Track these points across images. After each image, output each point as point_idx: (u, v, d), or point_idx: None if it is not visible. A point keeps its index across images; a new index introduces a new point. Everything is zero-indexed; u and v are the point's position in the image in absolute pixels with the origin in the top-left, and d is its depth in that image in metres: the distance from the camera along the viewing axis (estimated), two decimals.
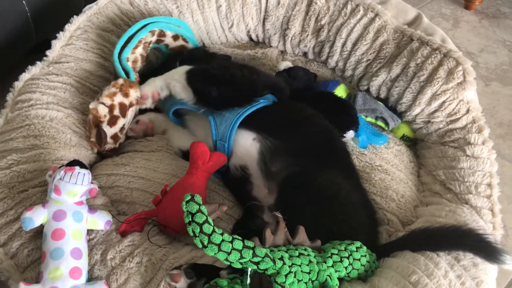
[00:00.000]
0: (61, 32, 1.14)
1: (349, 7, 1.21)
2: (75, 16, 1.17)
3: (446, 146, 1.09)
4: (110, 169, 0.99)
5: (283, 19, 1.30)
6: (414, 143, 1.21)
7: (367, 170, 1.07)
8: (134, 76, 1.08)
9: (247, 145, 0.98)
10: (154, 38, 1.15)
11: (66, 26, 1.15)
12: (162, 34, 1.16)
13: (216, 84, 1.00)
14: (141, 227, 0.86)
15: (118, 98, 1.01)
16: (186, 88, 1.02)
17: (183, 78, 1.02)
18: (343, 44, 1.22)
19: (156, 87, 1.06)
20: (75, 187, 0.80)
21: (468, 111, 1.08)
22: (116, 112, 1.00)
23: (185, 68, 1.05)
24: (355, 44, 1.20)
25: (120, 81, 1.02)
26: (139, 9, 1.24)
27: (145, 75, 1.13)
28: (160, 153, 1.04)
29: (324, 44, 1.26)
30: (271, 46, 1.37)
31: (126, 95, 1.01)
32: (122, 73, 1.06)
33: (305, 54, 1.34)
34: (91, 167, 1.03)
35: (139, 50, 1.12)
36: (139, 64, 1.13)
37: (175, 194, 0.87)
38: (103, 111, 0.98)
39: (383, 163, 1.08)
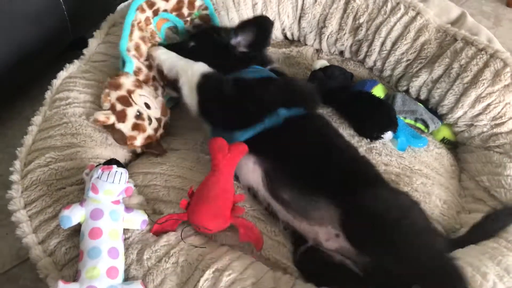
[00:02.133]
0: (97, 30, 1.15)
1: (389, 5, 1.17)
2: (111, 14, 1.17)
3: (490, 151, 1.04)
4: (147, 168, 0.99)
5: (320, 17, 1.27)
6: (455, 146, 1.16)
7: (408, 174, 1.03)
8: (132, 65, 1.03)
9: (249, 167, 0.94)
10: (150, 13, 1.10)
11: (102, 24, 1.15)
12: (152, 3, 1.09)
13: (223, 104, 0.95)
14: (172, 227, 0.86)
15: (113, 95, 0.98)
16: (193, 92, 0.97)
17: (195, 79, 0.97)
18: (382, 43, 1.19)
19: (165, 62, 1.03)
20: (112, 186, 0.80)
21: None
22: (119, 107, 0.97)
23: (203, 68, 0.99)
24: (394, 43, 1.17)
25: (107, 80, 0.99)
26: None
27: None
28: (196, 152, 1.03)
29: (362, 43, 1.23)
30: (306, 45, 1.34)
31: (118, 87, 0.98)
32: (121, 65, 1.03)
33: (341, 52, 1.31)
34: (127, 165, 1.03)
35: (136, 34, 1.06)
36: (145, 48, 1.08)
37: (202, 194, 0.87)
38: (103, 116, 0.96)
39: (422, 167, 1.05)
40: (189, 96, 0.98)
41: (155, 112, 1.04)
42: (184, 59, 1.03)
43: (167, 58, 1.04)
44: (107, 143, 0.99)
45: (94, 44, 1.13)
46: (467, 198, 1.05)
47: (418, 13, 1.14)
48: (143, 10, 1.08)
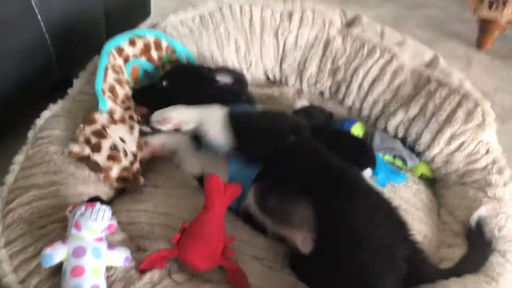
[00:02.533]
0: (82, 71, 1.17)
1: (365, 48, 1.23)
2: (96, 55, 1.20)
3: (466, 187, 1.08)
4: (130, 205, 0.99)
5: (300, 60, 1.32)
6: (433, 182, 1.19)
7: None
8: (105, 105, 1.04)
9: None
10: (120, 61, 1.13)
11: (88, 65, 1.18)
12: (120, 49, 1.13)
13: (255, 133, 0.99)
14: (161, 264, 0.85)
15: (88, 129, 0.99)
16: (225, 132, 0.98)
17: (223, 120, 0.99)
18: (360, 85, 1.24)
19: (184, 117, 1.04)
20: (95, 223, 0.79)
21: (487, 151, 1.08)
22: (94, 139, 0.98)
23: (223, 111, 1.02)
24: (372, 84, 1.22)
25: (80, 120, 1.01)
26: None
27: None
28: (181, 189, 1.03)
29: (341, 84, 1.28)
30: (287, 85, 1.39)
31: (91, 122, 1.00)
32: (96, 105, 1.05)
33: (321, 93, 1.36)
34: (110, 202, 1.02)
35: (111, 77, 1.08)
36: (122, 91, 1.10)
37: (194, 233, 0.87)
38: (77, 147, 0.97)
39: (402, 202, 1.07)
40: (219, 137, 0.99)
41: (131, 145, 1.05)
42: (194, 108, 1.04)
43: (183, 113, 1.05)
44: (89, 181, 0.99)
45: (78, 84, 1.15)
46: (446, 232, 1.07)
47: (393, 56, 1.20)
48: (114, 57, 1.11)
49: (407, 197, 1.09)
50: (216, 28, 1.29)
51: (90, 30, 1.36)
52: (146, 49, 1.18)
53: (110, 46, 1.12)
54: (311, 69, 1.31)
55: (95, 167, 0.99)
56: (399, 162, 1.16)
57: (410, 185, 1.12)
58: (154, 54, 1.20)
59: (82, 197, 0.94)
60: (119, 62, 1.13)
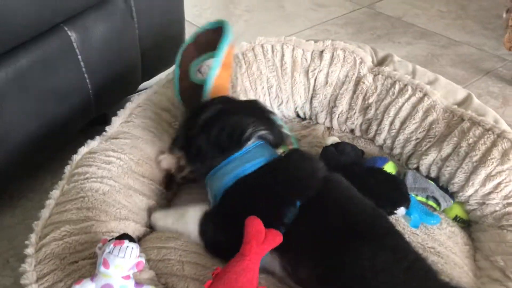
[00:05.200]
0: (121, 110, 1.21)
1: (397, 86, 1.22)
2: (135, 95, 1.24)
3: (504, 230, 1.03)
4: (161, 242, 1.00)
5: (331, 97, 1.33)
6: (468, 225, 1.15)
7: (419, 252, 1.02)
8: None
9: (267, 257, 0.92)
10: None
11: (127, 104, 1.22)
12: None
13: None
14: None
15: None
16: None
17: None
18: (391, 123, 1.22)
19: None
20: (123, 261, 0.80)
21: None
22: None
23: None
24: (403, 122, 1.20)
25: None
26: None
27: None
28: None
29: (372, 122, 1.27)
30: (317, 123, 1.39)
31: None
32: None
33: (352, 130, 1.35)
34: (140, 239, 1.04)
35: None
36: None
37: (227, 279, 0.83)
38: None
39: (435, 245, 1.03)
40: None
41: None
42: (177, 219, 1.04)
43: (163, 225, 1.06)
44: (120, 218, 1.01)
45: (117, 122, 1.19)
46: (483, 278, 1.02)
47: (425, 94, 1.18)
48: None
49: (441, 239, 1.05)
50: (249, 67, 1.32)
51: (127, 69, 1.41)
52: None
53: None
54: (342, 106, 1.31)
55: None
56: (432, 203, 1.13)
57: (444, 227, 1.09)
58: None
59: (113, 233, 0.96)
60: None
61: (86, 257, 0.90)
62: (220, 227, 0.96)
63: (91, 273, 0.85)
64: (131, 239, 0.84)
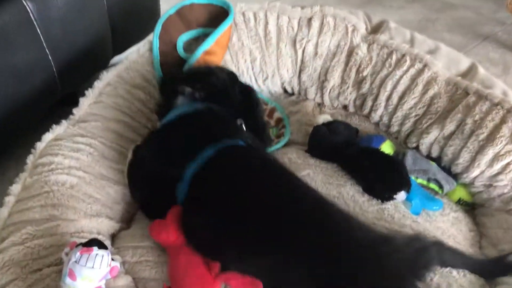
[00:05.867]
0: (89, 89, 1.08)
1: (394, 57, 1.11)
2: (104, 72, 1.11)
3: None
4: (136, 241, 0.89)
5: (321, 71, 1.21)
6: (473, 208, 1.07)
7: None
8: None
9: None
10: None
11: (96, 83, 1.09)
12: None
13: None
14: None
15: None
16: None
17: None
18: (388, 98, 1.12)
19: None
20: (92, 272, 0.70)
21: None
22: None
23: None
24: (401, 97, 1.10)
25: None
26: None
27: None
28: None
29: (367, 97, 1.16)
30: (307, 99, 1.28)
31: None
32: None
33: (345, 107, 1.24)
34: (114, 237, 0.94)
35: None
36: None
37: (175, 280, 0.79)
38: None
39: (438, 234, 0.94)
40: None
41: None
42: None
43: None
44: (91, 215, 0.90)
45: (85, 104, 1.06)
46: None
47: (425, 65, 1.07)
48: None
49: (444, 227, 0.96)
50: (229, 39, 1.19)
51: (95, 42, 1.28)
52: None
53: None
54: (334, 80, 1.19)
55: None
56: (434, 186, 1.04)
57: (447, 213, 1.00)
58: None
59: (84, 233, 0.87)
60: None
61: (51, 264, 0.80)
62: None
63: (56, 283, 0.75)
64: (101, 245, 0.74)
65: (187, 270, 0.78)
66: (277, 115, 1.24)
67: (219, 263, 0.77)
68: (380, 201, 0.97)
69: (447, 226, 0.97)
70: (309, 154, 1.09)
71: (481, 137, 0.98)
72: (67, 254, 0.75)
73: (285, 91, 1.30)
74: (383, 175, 0.98)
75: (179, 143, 0.89)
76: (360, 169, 1.02)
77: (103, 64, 1.39)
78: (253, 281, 0.74)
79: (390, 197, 0.97)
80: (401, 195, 0.97)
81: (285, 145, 1.18)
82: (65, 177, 0.92)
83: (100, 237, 0.88)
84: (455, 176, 1.05)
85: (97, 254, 0.71)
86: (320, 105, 1.26)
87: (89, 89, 1.09)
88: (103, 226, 0.91)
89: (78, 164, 0.96)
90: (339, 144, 1.08)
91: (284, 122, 1.22)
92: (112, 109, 1.08)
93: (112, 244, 0.91)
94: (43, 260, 0.79)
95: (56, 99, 1.28)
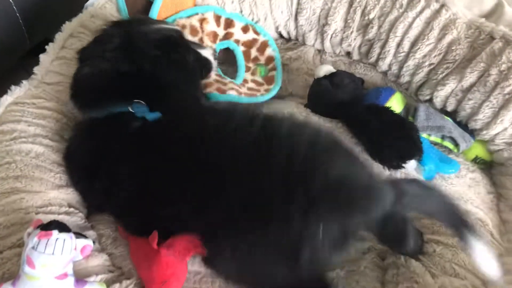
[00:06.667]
0: (50, 44, 0.95)
1: None
2: (67, 22, 0.98)
3: None
4: None
5: (321, 13, 1.07)
6: (490, 166, 0.97)
7: None
8: None
9: None
10: (221, 32, 1.06)
11: (57, 36, 0.96)
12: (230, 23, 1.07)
13: None
14: None
15: None
16: None
17: None
18: (399, 44, 0.98)
19: None
20: (52, 259, 0.61)
21: None
22: None
23: None
24: (414, 44, 0.97)
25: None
26: None
27: None
28: None
29: (374, 43, 1.03)
30: (305, 45, 1.14)
31: None
32: None
33: (348, 54, 1.11)
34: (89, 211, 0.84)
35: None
36: None
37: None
38: None
39: (454, 198, 0.84)
40: None
41: None
42: None
43: None
44: (60, 185, 0.80)
45: (46, 61, 0.93)
46: (508, 235, 0.85)
47: (443, 6, 0.94)
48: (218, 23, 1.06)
49: (460, 191, 0.87)
50: None
51: None
52: (250, 43, 1.11)
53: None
54: (335, 24, 1.05)
55: None
56: (449, 144, 0.93)
57: (464, 174, 0.90)
58: (253, 53, 1.12)
59: (52, 207, 0.77)
60: (219, 32, 1.08)
61: (13, 245, 0.71)
62: None
63: (19, 267, 0.66)
64: (62, 227, 0.64)
65: (137, 253, 0.74)
66: (269, 52, 1.10)
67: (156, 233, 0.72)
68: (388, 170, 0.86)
69: (464, 189, 0.88)
70: (310, 110, 0.98)
71: (507, 90, 0.86)
72: (29, 234, 0.65)
73: (281, 36, 1.16)
74: (392, 142, 0.86)
75: None
76: (366, 132, 0.91)
77: (78, 7, 1.25)
78: (193, 240, 0.70)
79: (399, 166, 0.86)
80: (412, 164, 0.85)
81: (283, 97, 1.06)
82: (29, 146, 0.82)
83: (71, 210, 0.79)
84: (472, 132, 0.94)
85: (57, 239, 0.62)
86: (321, 52, 1.13)
87: (50, 44, 0.97)
88: (74, 197, 0.82)
89: (44, 132, 0.85)
90: (344, 100, 0.96)
91: (276, 64, 1.08)
92: None
93: (88, 217, 0.82)
94: (3, 241, 0.71)
95: (26, 49, 1.17)
